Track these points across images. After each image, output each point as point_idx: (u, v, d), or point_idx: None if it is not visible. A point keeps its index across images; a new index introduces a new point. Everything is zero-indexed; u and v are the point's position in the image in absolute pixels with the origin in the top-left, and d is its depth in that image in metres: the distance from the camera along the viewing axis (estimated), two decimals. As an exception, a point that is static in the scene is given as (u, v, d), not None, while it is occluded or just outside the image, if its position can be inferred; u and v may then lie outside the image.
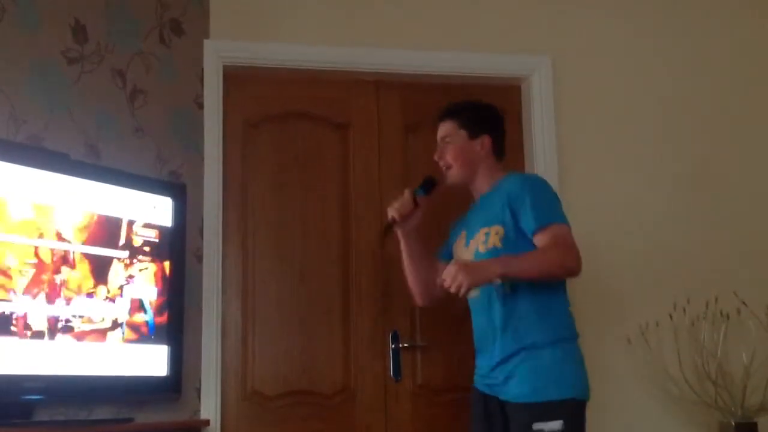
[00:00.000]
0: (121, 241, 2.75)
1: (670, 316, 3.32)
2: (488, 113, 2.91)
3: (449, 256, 2.92)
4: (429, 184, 2.89)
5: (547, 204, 2.63)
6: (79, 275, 2.61)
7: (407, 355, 3.35)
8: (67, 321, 2.57)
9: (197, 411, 3.12)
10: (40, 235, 2.51)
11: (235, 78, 3.40)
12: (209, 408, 3.13)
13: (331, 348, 3.34)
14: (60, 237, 2.56)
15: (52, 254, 2.54)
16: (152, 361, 2.84)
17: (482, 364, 2.73)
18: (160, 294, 2.87)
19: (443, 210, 3.01)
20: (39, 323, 2.49)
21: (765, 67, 3.76)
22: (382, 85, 3.57)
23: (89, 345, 2.63)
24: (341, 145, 3.52)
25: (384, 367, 3.33)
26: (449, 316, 3.23)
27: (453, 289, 2.49)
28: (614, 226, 3.46)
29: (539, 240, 2.58)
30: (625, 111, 3.63)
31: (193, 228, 3.14)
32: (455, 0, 3.61)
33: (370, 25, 3.54)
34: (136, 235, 2.79)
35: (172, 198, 2.96)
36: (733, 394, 3.24)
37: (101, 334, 2.67)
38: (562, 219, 2.62)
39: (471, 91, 3.48)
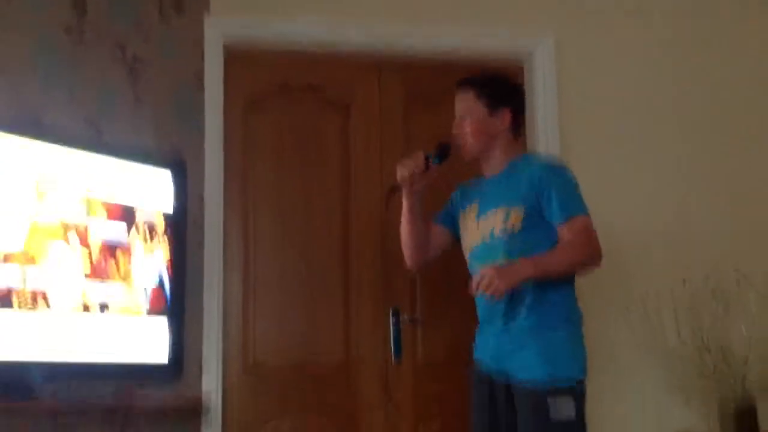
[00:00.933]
0: (128, 219, 2.77)
1: (671, 290, 3.30)
2: (509, 87, 2.87)
3: (450, 222, 2.91)
4: (443, 150, 2.81)
5: (572, 195, 2.64)
6: (89, 254, 2.63)
7: (408, 330, 3.34)
8: (86, 300, 2.62)
9: (199, 386, 3.13)
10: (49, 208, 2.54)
11: (236, 55, 3.40)
12: (211, 382, 3.15)
13: (332, 324, 3.36)
14: (69, 214, 2.58)
15: (61, 232, 2.56)
16: (154, 337, 2.85)
17: (488, 334, 2.71)
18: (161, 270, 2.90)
19: (450, 178, 2.96)
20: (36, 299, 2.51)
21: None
22: (384, 65, 3.58)
23: (99, 322, 2.65)
24: (342, 124, 3.53)
25: (385, 342, 3.33)
26: (450, 289, 3.24)
27: (489, 293, 2.48)
28: (615, 204, 3.43)
29: (564, 232, 2.59)
30: (627, 91, 3.62)
31: (193, 204, 3.15)
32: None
33: (373, 3, 3.53)
34: (140, 211, 2.81)
35: (172, 174, 2.98)
36: (733, 365, 3.23)
37: (116, 312, 2.71)
38: (585, 210, 2.63)
39: (473, 70, 3.49)
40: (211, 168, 3.28)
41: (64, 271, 2.55)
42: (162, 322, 2.88)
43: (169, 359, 2.93)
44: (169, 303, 2.91)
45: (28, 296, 2.45)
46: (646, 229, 3.46)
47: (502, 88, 2.83)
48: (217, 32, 3.36)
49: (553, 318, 2.60)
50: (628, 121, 3.60)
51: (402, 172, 2.76)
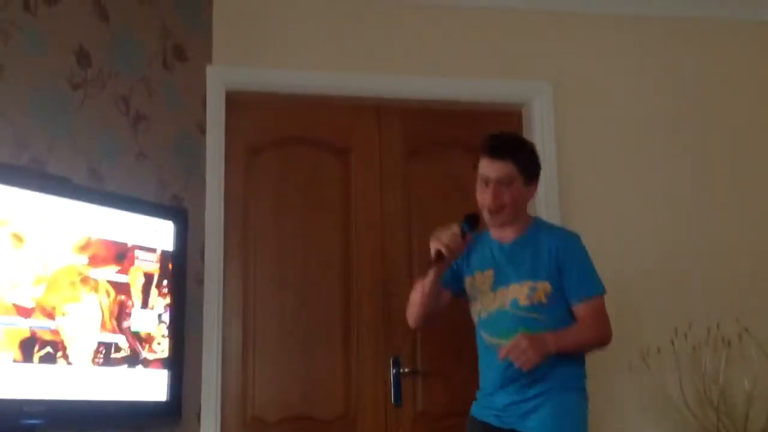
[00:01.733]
0: (128, 269, 2.75)
1: (672, 342, 3.31)
2: (539, 160, 2.83)
3: (456, 286, 2.88)
4: (473, 220, 2.78)
5: (590, 274, 2.70)
6: (86, 299, 2.61)
7: (408, 381, 3.33)
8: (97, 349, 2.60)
9: (198, 438, 3.11)
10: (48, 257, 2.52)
11: (237, 103, 3.41)
12: (209, 433, 3.12)
13: (332, 373, 3.33)
14: (64, 260, 2.56)
15: (62, 281, 2.54)
16: (152, 385, 2.83)
17: (494, 400, 2.70)
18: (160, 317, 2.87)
19: None
20: (39, 347, 2.48)
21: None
22: (383, 110, 3.59)
23: (94, 370, 2.62)
24: (342, 170, 3.53)
25: (385, 393, 3.31)
26: (450, 342, 3.23)
27: (519, 364, 2.54)
28: (615, 252, 3.43)
29: (579, 311, 2.66)
30: (625, 136, 3.64)
31: (194, 252, 3.14)
32: (456, 27, 3.63)
33: (372, 51, 3.56)
34: (138, 259, 2.79)
35: (173, 222, 2.96)
36: (735, 420, 3.22)
37: (111, 358, 2.68)
38: (602, 289, 2.70)
39: (472, 116, 3.52)
40: (212, 216, 3.28)
41: (78, 324, 2.55)
42: (161, 374, 2.85)
43: (168, 412, 2.90)
44: (167, 354, 2.88)
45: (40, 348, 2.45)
46: (647, 281, 3.46)
47: (537, 162, 2.80)
48: (218, 81, 3.38)
49: (569, 385, 2.64)
50: (627, 167, 3.62)
51: (438, 246, 2.71)
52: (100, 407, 2.67)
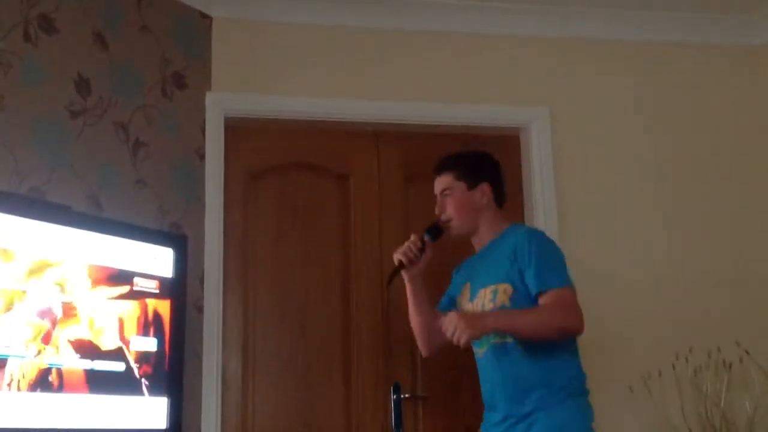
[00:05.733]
0: (127, 292, 2.75)
1: (673, 366, 3.30)
2: (484, 161, 2.88)
3: (450, 307, 2.88)
4: (436, 229, 2.83)
5: (551, 266, 2.60)
6: (86, 327, 2.60)
7: (409, 407, 3.31)
8: (74, 374, 2.57)
9: (197, 464, 3.09)
10: (50, 286, 2.52)
11: (236, 130, 3.43)
12: (209, 461, 3.11)
13: (332, 401, 3.33)
14: (65, 288, 2.56)
15: (59, 306, 2.54)
16: (152, 413, 2.81)
17: (493, 421, 2.68)
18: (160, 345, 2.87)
19: (449, 259, 2.96)
20: (35, 376, 2.47)
21: (760, 118, 3.79)
22: (382, 136, 3.61)
23: (91, 397, 2.61)
24: (342, 196, 3.54)
25: (386, 419, 3.29)
26: (451, 367, 3.22)
27: (455, 341, 2.48)
28: (615, 275, 3.46)
29: (541, 302, 2.56)
30: (622, 160, 3.65)
31: (193, 279, 3.14)
32: (454, 53, 3.66)
33: (370, 76, 3.58)
34: (137, 286, 2.79)
35: (173, 249, 2.95)
36: (737, 444, 3.22)
37: (111, 386, 2.67)
38: (565, 281, 2.58)
39: (470, 141, 3.51)
40: (212, 243, 3.28)
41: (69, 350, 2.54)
42: (160, 402, 2.83)
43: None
44: (167, 382, 2.87)
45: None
46: (647, 304, 3.46)
47: (478, 163, 2.86)
48: (217, 108, 3.39)
49: (555, 398, 2.56)
50: (624, 189, 3.63)
51: (399, 256, 2.78)
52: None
